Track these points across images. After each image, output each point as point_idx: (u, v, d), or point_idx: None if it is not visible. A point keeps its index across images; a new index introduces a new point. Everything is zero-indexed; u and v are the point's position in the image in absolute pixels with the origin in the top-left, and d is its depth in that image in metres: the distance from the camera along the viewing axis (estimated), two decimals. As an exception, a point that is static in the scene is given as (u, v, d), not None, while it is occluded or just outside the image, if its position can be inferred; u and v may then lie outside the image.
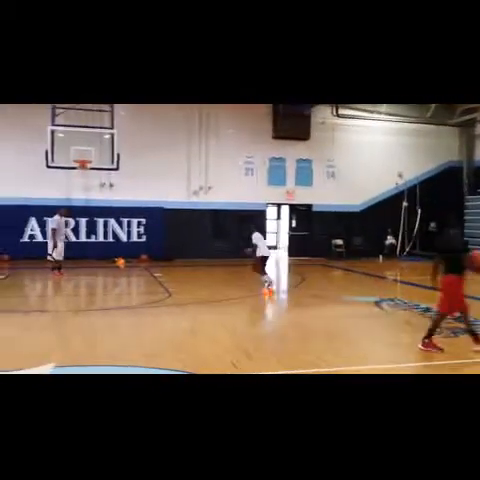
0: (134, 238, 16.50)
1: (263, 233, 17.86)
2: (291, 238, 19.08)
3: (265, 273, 9.92)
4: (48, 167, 13.64)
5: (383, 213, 18.26)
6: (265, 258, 9.90)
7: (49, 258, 12.49)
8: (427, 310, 8.07)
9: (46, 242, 13.77)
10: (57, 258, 12.38)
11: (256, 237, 9.87)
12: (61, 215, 12.65)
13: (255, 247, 9.78)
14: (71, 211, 14.11)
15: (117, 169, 14.18)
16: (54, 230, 12.50)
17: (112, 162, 13.89)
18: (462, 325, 6.98)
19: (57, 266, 12.36)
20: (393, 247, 18.26)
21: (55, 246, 12.38)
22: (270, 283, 9.79)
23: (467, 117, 18.67)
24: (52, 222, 12.65)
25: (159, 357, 5.27)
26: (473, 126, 19.20)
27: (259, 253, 9.78)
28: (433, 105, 17.99)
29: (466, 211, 18.49)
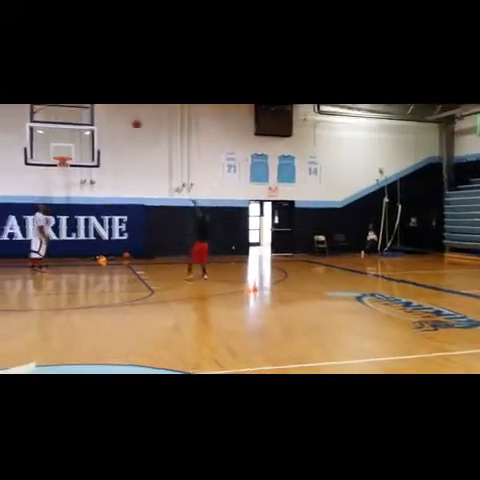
0: (116, 236, 16.37)
1: (246, 230, 18.05)
2: (274, 234, 19.14)
3: None
4: (27, 164, 13.46)
5: (364, 209, 18.41)
6: None
7: (35, 255, 12.48)
8: (407, 304, 8.18)
9: (27, 240, 13.68)
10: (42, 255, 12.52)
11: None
12: (43, 212, 12.72)
13: None
14: (51, 208, 13.96)
15: (98, 166, 14.06)
16: (42, 227, 12.56)
17: (92, 159, 13.76)
18: (441, 318, 7.11)
19: (44, 264, 12.49)
20: (374, 243, 18.44)
21: (42, 243, 12.42)
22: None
23: (446, 114, 18.93)
24: (38, 220, 12.61)
25: (142, 356, 5.24)
26: (452, 123, 19.48)
27: None
28: (413, 102, 18.19)
29: (446, 207, 18.76)
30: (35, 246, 12.54)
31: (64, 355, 5.29)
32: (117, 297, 10.26)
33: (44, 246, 12.60)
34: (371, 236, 18.49)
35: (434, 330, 6.48)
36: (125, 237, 16.43)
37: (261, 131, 17.68)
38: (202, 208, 11.70)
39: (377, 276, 13.68)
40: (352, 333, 6.65)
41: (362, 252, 17.85)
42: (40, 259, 12.55)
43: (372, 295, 9.18)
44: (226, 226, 17.33)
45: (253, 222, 20.26)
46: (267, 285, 12.10)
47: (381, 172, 18.55)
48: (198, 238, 10.90)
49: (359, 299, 8.74)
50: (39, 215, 12.68)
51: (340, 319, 7.39)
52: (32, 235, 13.15)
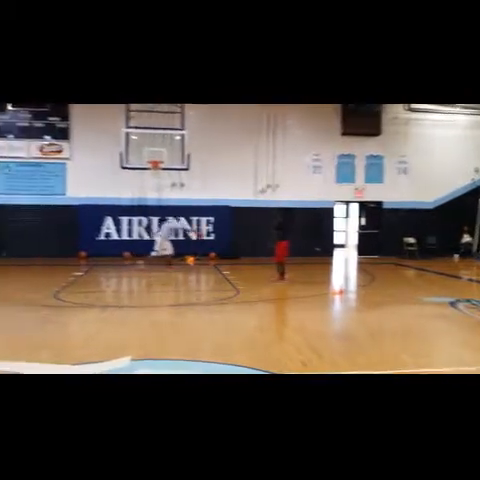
0: (203, 236, 16.84)
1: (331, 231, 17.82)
2: (360, 236, 18.71)
3: None
4: (122, 168, 14.23)
5: (458, 210, 17.46)
6: None
7: (162, 252, 13.45)
8: (507, 312, 7.67)
9: (121, 240, 14.49)
10: (168, 253, 13.55)
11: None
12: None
13: None
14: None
15: (187, 169, 14.54)
16: (171, 229, 14.01)
17: (182, 162, 14.25)
18: None
19: (170, 262, 13.54)
20: (469, 246, 17.42)
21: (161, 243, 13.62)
22: None
23: None
24: (171, 221, 14.07)
25: (229, 354, 5.36)
26: None
27: None
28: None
29: None
30: (159, 246, 13.51)
31: (157, 350, 5.54)
32: (204, 296, 10.55)
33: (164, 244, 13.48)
34: (466, 238, 17.49)
35: None
36: (212, 237, 16.85)
37: (348, 131, 17.35)
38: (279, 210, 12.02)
39: (472, 281, 12.92)
40: (444, 340, 6.36)
41: (456, 255, 16.94)
42: (167, 256, 13.49)
43: (467, 301, 8.70)
44: (311, 228, 17.21)
45: (338, 223, 19.92)
46: (353, 288, 11.86)
47: (477, 171, 17.52)
48: (278, 238, 11.36)
49: (453, 305, 8.32)
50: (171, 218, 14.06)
51: (432, 325, 7.09)
52: (159, 237, 13.93)
